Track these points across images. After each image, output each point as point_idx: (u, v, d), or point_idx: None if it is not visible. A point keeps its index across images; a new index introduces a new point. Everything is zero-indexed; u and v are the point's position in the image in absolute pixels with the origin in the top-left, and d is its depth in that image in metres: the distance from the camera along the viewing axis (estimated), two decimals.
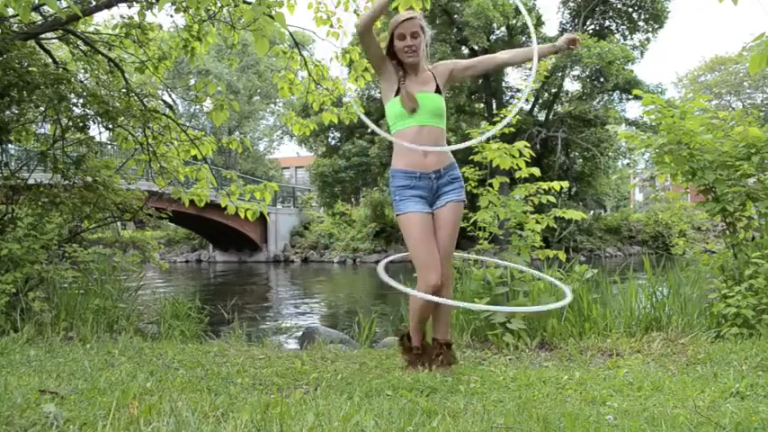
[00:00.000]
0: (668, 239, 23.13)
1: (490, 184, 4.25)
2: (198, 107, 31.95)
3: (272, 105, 44.17)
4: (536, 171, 4.24)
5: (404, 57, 2.98)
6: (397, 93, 2.99)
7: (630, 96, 25.11)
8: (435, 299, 2.75)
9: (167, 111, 6.33)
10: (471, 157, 4.40)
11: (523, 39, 26.12)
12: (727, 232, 4.04)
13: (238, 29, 5.71)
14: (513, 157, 4.18)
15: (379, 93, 2.97)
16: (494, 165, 4.24)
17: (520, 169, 4.22)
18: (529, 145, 4.29)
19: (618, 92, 25.45)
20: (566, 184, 4.34)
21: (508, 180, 4.43)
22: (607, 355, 3.31)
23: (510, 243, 4.06)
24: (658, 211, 20.83)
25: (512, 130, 4.35)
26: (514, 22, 24.82)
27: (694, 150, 3.93)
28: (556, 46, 3.04)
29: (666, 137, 3.94)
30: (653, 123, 4.12)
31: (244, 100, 37.04)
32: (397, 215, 2.99)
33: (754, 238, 3.98)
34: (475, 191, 4.37)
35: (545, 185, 4.17)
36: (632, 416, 2.04)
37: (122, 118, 5.37)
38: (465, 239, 4.94)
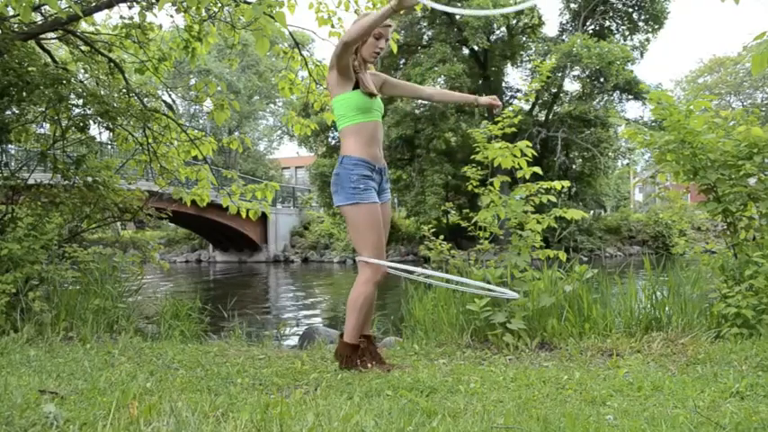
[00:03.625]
0: (668, 239, 23.14)
1: (491, 184, 4.24)
2: (198, 107, 32.01)
3: (272, 105, 44.18)
4: (538, 170, 4.23)
5: (371, 56, 3.12)
6: (355, 87, 3.07)
7: (630, 97, 25.13)
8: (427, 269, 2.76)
9: (167, 111, 6.33)
10: (473, 157, 4.40)
11: (523, 39, 26.14)
12: (728, 232, 4.03)
13: (239, 29, 5.72)
14: (515, 156, 4.17)
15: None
16: (495, 164, 4.23)
17: (521, 169, 4.21)
18: (531, 144, 4.28)
19: (618, 92, 25.43)
20: (567, 183, 4.32)
21: (509, 179, 4.43)
22: (607, 355, 3.31)
23: (510, 243, 4.05)
24: (658, 211, 20.82)
25: (513, 130, 4.34)
26: (514, 22, 24.81)
27: (697, 149, 3.93)
28: (478, 100, 3.39)
29: (671, 134, 3.94)
30: (658, 120, 4.12)
31: (244, 100, 37.04)
32: (360, 203, 3.02)
33: (755, 238, 3.97)
34: (476, 190, 4.37)
35: (546, 185, 4.16)
36: (632, 416, 2.04)
37: (122, 118, 5.37)
38: (465, 239, 4.94)
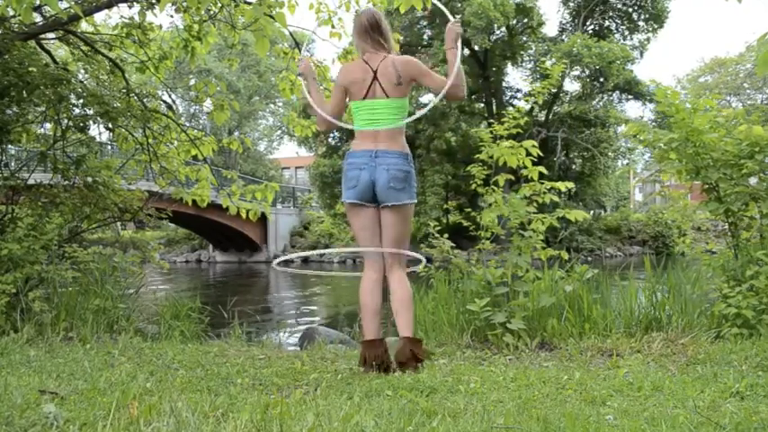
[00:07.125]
0: (668, 239, 23.13)
1: (495, 182, 4.22)
2: (198, 107, 32.01)
3: (272, 105, 44.18)
4: (543, 170, 4.22)
5: None
6: None
7: (630, 96, 25.14)
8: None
9: (167, 111, 6.33)
10: (476, 156, 4.40)
11: (524, 39, 26.13)
12: (729, 232, 4.03)
13: (239, 29, 5.71)
14: (520, 155, 4.16)
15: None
16: (499, 163, 4.22)
17: (526, 168, 4.19)
18: (537, 144, 4.27)
19: (618, 92, 25.44)
20: (570, 184, 4.31)
21: (513, 178, 4.41)
22: (607, 355, 3.31)
23: (511, 243, 4.04)
24: (659, 211, 20.81)
25: (518, 130, 4.34)
26: (515, 22, 24.81)
27: (699, 148, 3.93)
28: None
29: (675, 132, 3.94)
30: (659, 118, 4.14)
31: (244, 100, 37.05)
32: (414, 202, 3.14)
33: (761, 236, 3.97)
34: (480, 190, 4.36)
35: (548, 185, 4.15)
36: (632, 416, 2.04)
37: (122, 118, 5.36)
38: (465, 239, 4.94)
